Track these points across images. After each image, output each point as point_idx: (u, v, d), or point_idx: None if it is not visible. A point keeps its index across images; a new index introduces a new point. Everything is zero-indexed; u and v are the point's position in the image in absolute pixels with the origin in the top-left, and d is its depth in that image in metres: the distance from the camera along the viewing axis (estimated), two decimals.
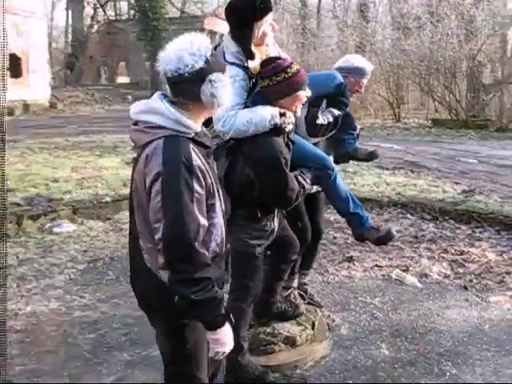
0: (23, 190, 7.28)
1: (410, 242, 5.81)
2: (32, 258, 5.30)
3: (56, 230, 6.12)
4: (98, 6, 41.85)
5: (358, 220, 3.39)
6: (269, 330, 3.40)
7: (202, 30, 38.73)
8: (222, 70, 2.04)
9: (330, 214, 6.66)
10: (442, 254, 5.42)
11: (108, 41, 40.77)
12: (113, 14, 47.81)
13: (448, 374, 3.33)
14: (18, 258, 5.27)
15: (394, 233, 3.54)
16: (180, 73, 1.95)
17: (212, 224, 2.06)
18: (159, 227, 1.90)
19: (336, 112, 3.47)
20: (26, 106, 23.37)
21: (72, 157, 10.35)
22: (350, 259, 5.27)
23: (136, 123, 2.06)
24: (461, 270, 5.06)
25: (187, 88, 1.98)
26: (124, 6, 47.65)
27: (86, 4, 39.90)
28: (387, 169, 9.64)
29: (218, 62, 2.05)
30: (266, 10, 2.81)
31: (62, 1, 46.27)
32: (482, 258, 5.31)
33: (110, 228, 6.33)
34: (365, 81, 3.72)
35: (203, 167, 1.99)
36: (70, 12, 42.25)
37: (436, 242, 5.77)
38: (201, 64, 1.95)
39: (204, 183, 1.98)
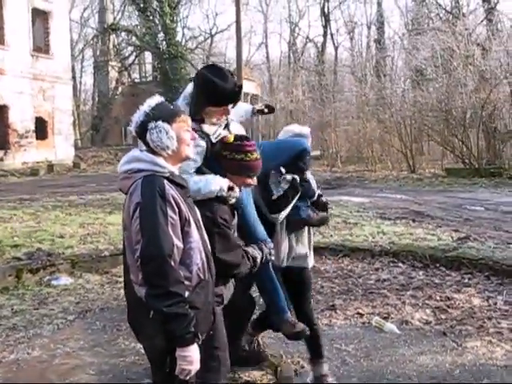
0: (28, 246, 7.56)
1: (397, 289, 5.85)
2: (26, 309, 5.48)
3: (54, 282, 6.32)
4: (123, 69, 43.48)
5: (279, 308, 3.30)
6: (230, 374, 3.48)
7: None
8: (167, 118, 2.33)
9: (320, 264, 6.79)
10: (427, 301, 5.45)
11: (132, 102, 42.11)
12: (137, 76, 49.74)
13: None
14: (12, 309, 5.47)
15: (307, 332, 3.36)
16: (135, 129, 2.37)
17: (190, 248, 2.30)
18: (138, 247, 2.16)
19: (289, 176, 3.46)
20: (50, 167, 24.16)
21: (82, 214, 10.68)
22: (333, 307, 5.33)
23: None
24: (443, 316, 5.07)
25: (143, 139, 2.35)
26: (149, 68, 49.63)
27: (110, 68, 41.48)
28: (389, 219, 9.72)
29: (161, 111, 2.35)
30: (236, 100, 3.02)
31: (90, 65, 48.51)
32: (467, 304, 5.32)
33: (106, 281, 6.51)
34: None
35: (177, 198, 2.26)
36: (96, 76, 44.03)
37: (423, 289, 5.79)
38: (141, 118, 2.34)
39: (178, 210, 2.25)
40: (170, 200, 2.22)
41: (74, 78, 39.05)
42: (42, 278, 6.43)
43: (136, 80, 47.90)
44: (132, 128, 2.39)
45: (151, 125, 2.30)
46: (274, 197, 3.44)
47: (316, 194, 3.77)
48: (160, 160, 2.30)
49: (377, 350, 4.40)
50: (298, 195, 3.50)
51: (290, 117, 28.93)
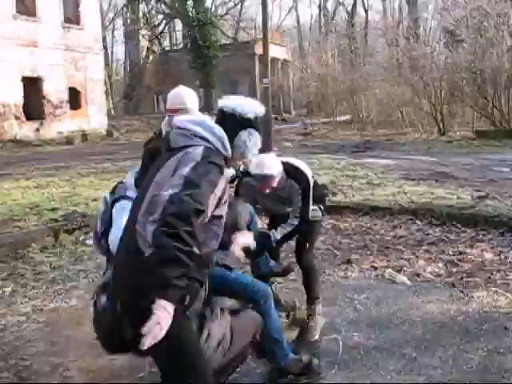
0: (65, 209, 8.03)
1: (412, 245, 6.09)
2: (63, 265, 5.93)
3: (88, 242, 6.75)
4: (153, 37, 43.69)
5: (283, 351, 3.30)
6: None
7: (253, 55, 39.84)
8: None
9: (340, 222, 7.06)
10: (440, 255, 5.68)
11: (163, 70, 42.49)
12: (168, 44, 49.93)
13: (407, 356, 3.63)
14: (51, 265, 5.93)
15: (316, 362, 3.42)
16: (240, 113, 2.43)
17: (212, 230, 2.30)
18: (173, 189, 2.09)
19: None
20: (84, 136, 24.80)
21: (115, 179, 11.11)
22: (349, 261, 5.61)
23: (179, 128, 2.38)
24: (454, 269, 5.30)
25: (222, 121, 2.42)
26: (179, 35, 49.71)
27: (141, 37, 41.73)
28: (413, 180, 9.87)
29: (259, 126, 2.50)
30: None
31: (121, 35, 48.88)
32: (478, 258, 5.53)
33: None
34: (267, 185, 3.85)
35: (227, 182, 2.34)
36: (127, 45, 44.41)
37: (437, 245, 6.02)
38: (253, 115, 2.45)
39: (225, 189, 2.29)
40: (225, 177, 2.26)
41: (105, 48, 39.49)
42: (78, 238, 6.88)
43: (166, 48, 48.13)
44: (235, 111, 2.41)
45: (254, 132, 2.43)
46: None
47: (272, 239, 3.96)
48: (227, 143, 2.36)
49: (387, 299, 4.67)
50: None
51: (320, 81, 28.77)
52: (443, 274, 5.23)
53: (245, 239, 3.02)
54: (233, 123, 2.39)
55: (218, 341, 2.48)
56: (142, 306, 2.01)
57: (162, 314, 1.98)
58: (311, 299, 4.14)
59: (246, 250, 3.10)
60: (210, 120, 2.39)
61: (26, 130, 23.22)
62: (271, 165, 3.75)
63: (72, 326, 4.37)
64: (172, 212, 2.02)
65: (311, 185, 3.99)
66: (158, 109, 43.69)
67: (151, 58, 43.41)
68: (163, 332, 2.00)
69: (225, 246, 2.82)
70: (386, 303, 4.57)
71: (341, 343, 3.83)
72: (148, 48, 43.65)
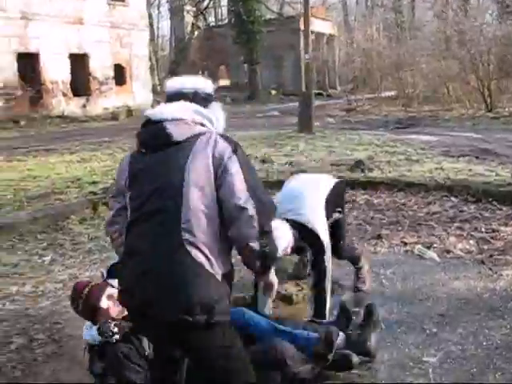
0: (105, 182, 8.28)
1: (445, 221, 6.02)
2: (100, 236, 6.14)
3: None
4: (198, 13, 43.73)
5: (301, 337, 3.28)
6: None
7: (298, 29, 39.36)
8: None
9: (374, 198, 7.03)
10: (472, 233, 5.60)
11: (208, 46, 42.59)
12: (213, 19, 49.88)
13: (428, 331, 3.64)
14: (88, 236, 6.16)
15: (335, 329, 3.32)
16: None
17: None
18: (246, 201, 2.12)
19: None
20: (129, 111, 25.21)
21: None
22: (379, 237, 5.61)
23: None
24: (485, 247, 5.23)
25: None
26: (224, 11, 49.60)
27: (186, 13, 41.83)
28: (452, 156, 9.69)
29: None
30: None
31: (167, 11, 49.11)
32: (511, 236, 5.43)
33: None
34: None
35: None
36: (172, 21, 44.62)
37: (470, 222, 5.93)
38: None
39: None
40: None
41: (151, 24, 39.80)
42: None
43: (211, 24, 48.11)
44: (196, 89, 2.36)
45: (216, 104, 2.43)
46: None
47: None
48: (213, 119, 2.38)
49: (414, 274, 4.66)
50: None
51: (365, 56, 28.26)
52: (474, 251, 5.17)
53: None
54: (199, 101, 2.35)
55: None
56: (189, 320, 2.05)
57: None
58: (357, 261, 4.31)
59: None
60: (189, 104, 2.32)
61: (72, 106, 23.81)
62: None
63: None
64: (263, 224, 2.14)
65: (326, 248, 3.71)
66: None
67: (196, 33, 43.50)
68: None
69: None
70: (412, 279, 4.56)
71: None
72: (193, 24, 43.72)
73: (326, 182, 4.10)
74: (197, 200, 2.11)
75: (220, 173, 2.14)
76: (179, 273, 2.06)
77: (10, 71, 21.31)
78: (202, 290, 2.06)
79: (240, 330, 3.22)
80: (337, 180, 4.27)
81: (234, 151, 2.18)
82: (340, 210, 4.09)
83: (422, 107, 23.68)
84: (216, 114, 2.39)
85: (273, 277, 2.71)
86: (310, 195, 3.87)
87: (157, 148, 2.23)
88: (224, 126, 2.45)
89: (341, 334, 3.35)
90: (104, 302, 2.95)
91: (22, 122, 20.50)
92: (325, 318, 3.68)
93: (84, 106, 24.38)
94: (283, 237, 3.37)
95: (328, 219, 3.83)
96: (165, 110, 2.28)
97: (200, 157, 2.15)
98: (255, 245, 2.12)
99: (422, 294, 4.26)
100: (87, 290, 3.03)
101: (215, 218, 2.14)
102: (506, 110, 19.52)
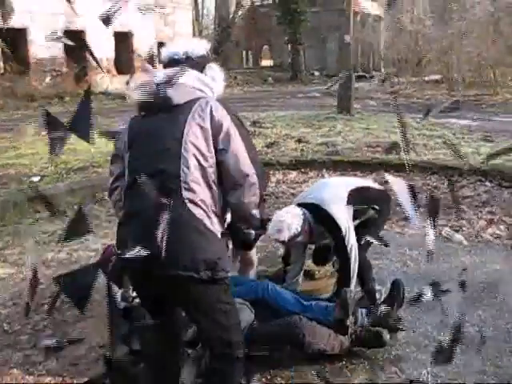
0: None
1: (476, 206, 5.96)
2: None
3: None
4: None
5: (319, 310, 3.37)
6: None
7: (343, 10, 38.77)
8: None
9: (406, 181, 6.98)
10: (503, 218, 5.54)
11: (252, 26, 42.41)
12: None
13: (446, 313, 3.66)
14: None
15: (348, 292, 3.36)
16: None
17: None
18: (249, 168, 2.23)
19: None
20: None
21: None
22: (407, 219, 5.58)
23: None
24: None
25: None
26: None
27: None
28: (492, 141, 9.49)
29: None
30: None
31: None
32: None
33: None
34: None
35: None
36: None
37: (503, 207, 5.86)
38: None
39: None
40: None
41: (195, 2, 39.83)
42: None
43: (256, 3, 47.80)
44: (188, 54, 2.40)
45: (212, 65, 2.46)
46: None
47: None
48: (211, 83, 2.42)
49: (439, 257, 4.65)
50: None
51: (411, 38, 27.67)
52: (503, 236, 5.13)
53: None
54: (194, 65, 2.36)
55: None
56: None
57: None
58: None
59: None
60: (189, 69, 2.32)
61: (116, 84, 24.18)
62: (286, 227, 3.45)
63: None
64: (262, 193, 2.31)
65: (347, 239, 3.57)
66: (247, 64, 43.88)
67: (240, 12, 43.33)
68: None
69: None
70: (437, 261, 4.57)
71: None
72: (237, 3, 43.56)
73: (354, 181, 4.07)
74: (195, 161, 2.16)
75: (221, 137, 2.20)
76: (182, 230, 2.10)
77: (55, 48, 21.76)
78: (206, 246, 2.13)
79: (264, 302, 3.35)
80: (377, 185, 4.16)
81: (233, 119, 2.26)
82: (376, 207, 3.87)
83: (467, 92, 23.10)
84: (213, 75, 2.40)
85: (253, 254, 2.71)
86: (333, 183, 3.93)
87: (156, 111, 2.26)
88: (223, 86, 2.46)
89: (363, 310, 3.42)
90: None
91: (67, 98, 20.97)
92: None
93: (127, 83, 24.66)
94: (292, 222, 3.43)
95: (353, 206, 3.70)
96: (164, 74, 2.29)
97: (198, 119, 2.20)
98: (256, 212, 2.23)
99: (445, 276, 4.26)
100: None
101: (214, 180, 2.21)
102: None
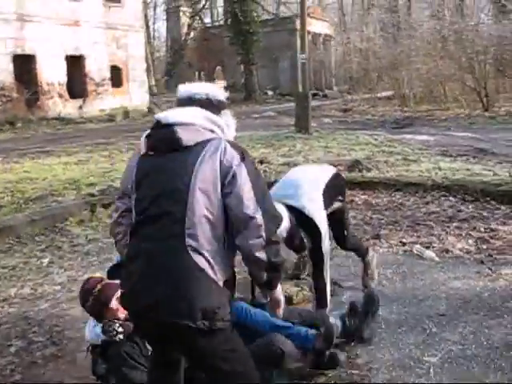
0: (102, 184, 8.26)
1: (443, 221, 6.02)
2: (98, 238, 6.15)
3: None
4: (194, 14, 43.74)
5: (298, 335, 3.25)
6: None
7: (294, 30, 39.38)
8: None
9: (372, 198, 7.04)
10: (471, 232, 5.60)
11: (204, 47, 42.59)
12: (209, 20, 49.89)
13: (428, 331, 3.64)
14: (87, 238, 6.15)
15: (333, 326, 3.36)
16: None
17: None
18: (254, 210, 2.13)
19: None
20: (126, 113, 25.18)
21: None
22: (378, 236, 5.61)
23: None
24: (484, 246, 5.23)
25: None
26: (221, 11, 49.62)
27: (181, 14, 41.82)
28: (450, 156, 9.71)
29: None
30: None
31: (163, 12, 49.11)
32: (510, 236, 5.43)
33: None
34: None
35: None
36: (168, 22, 44.63)
37: (469, 221, 5.93)
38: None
39: None
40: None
41: (147, 25, 39.79)
42: None
43: (207, 25, 48.10)
44: (208, 95, 2.37)
45: (228, 112, 2.44)
46: None
47: None
48: (223, 125, 2.36)
49: (413, 274, 4.66)
50: None
51: (362, 56, 28.32)
52: (473, 250, 5.17)
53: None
54: (211, 108, 2.35)
55: None
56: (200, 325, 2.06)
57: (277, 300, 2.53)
58: (364, 254, 4.37)
59: None
60: (200, 110, 2.31)
61: (69, 108, 23.75)
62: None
63: None
64: (269, 234, 2.15)
65: (323, 238, 3.70)
66: None
67: (192, 34, 43.50)
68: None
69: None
70: (411, 278, 4.56)
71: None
72: (189, 25, 43.74)
73: (324, 172, 4.11)
74: (202, 206, 2.11)
75: (228, 180, 2.15)
76: (182, 278, 2.06)
77: (6, 73, 21.25)
78: (204, 296, 2.07)
79: (240, 325, 3.24)
80: (335, 170, 4.29)
81: (243, 159, 2.18)
82: (341, 198, 4.08)
83: (419, 107, 23.72)
84: (227, 121, 2.39)
85: (279, 294, 2.63)
86: (307, 183, 3.86)
87: (165, 151, 2.22)
88: (235, 134, 2.44)
89: (338, 321, 3.38)
90: (114, 303, 2.94)
91: (18, 124, 20.45)
92: (326, 307, 3.72)
93: (80, 107, 24.32)
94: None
95: (328, 208, 3.82)
96: (176, 114, 2.27)
97: (208, 163, 2.14)
98: (262, 255, 2.14)
99: (421, 293, 4.26)
100: (99, 287, 3.03)
101: (220, 224, 2.15)
102: (503, 109, 19.58)
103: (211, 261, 2.11)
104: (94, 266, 5.28)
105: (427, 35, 26.11)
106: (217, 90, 2.44)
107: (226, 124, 2.38)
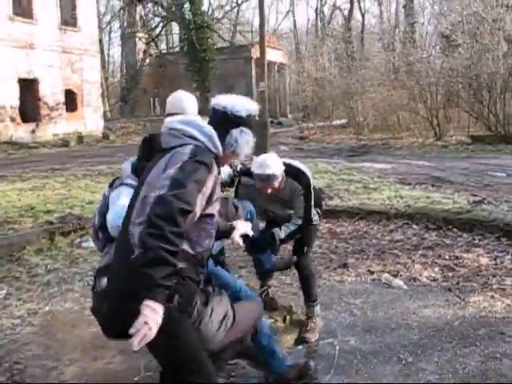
0: (60, 211, 7.99)
1: (408, 249, 6.09)
2: (59, 267, 5.90)
3: (84, 244, 6.73)
4: (150, 40, 43.73)
5: (278, 360, 3.20)
6: None
7: (249, 58, 39.87)
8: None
9: (336, 227, 7.06)
10: (436, 260, 5.68)
11: (159, 73, 42.53)
12: (165, 47, 49.97)
13: (404, 361, 3.62)
14: (46, 268, 5.89)
15: (312, 365, 3.35)
16: (230, 112, 2.43)
17: (205, 229, 2.30)
18: (160, 190, 2.09)
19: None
20: (80, 138, 24.76)
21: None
22: (345, 266, 5.60)
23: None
24: (450, 274, 5.30)
25: (215, 121, 2.45)
26: (176, 38, 49.81)
27: (137, 40, 41.74)
28: (409, 184, 9.89)
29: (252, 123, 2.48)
30: None
31: (118, 37, 48.95)
32: (474, 263, 5.53)
33: None
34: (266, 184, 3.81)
35: (216, 180, 2.29)
36: (123, 47, 44.44)
37: (433, 249, 6.02)
38: (242, 114, 2.43)
39: (214, 187, 2.25)
40: (213, 175, 2.23)
41: (101, 50, 39.47)
42: (73, 240, 6.83)
43: (163, 51, 48.15)
44: (226, 108, 2.40)
45: (246, 130, 2.40)
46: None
47: (276, 238, 3.92)
48: (217, 139, 2.35)
49: (383, 303, 4.66)
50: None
51: (317, 85, 28.82)
52: (439, 278, 5.23)
53: (245, 228, 2.96)
54: (224, 121, 2.38)
55: (221, 317, 2.48)
56: (131, 308, 2.01)
57: (150, 314, 1.97)
58: (310, 301, 4.15)
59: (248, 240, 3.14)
60: (200, 119, 2.40)
61: (21, 132, 23.16)
62: (273, 164, 3.74)
63: (67, 329, 4.35)
64: (157, 213, 2.04)
65: (312, 185, 4.00)
66: (154, 111, 43.70)
67: (148, 60, 43.42)
68: (153, 332, 1.99)
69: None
70: (382, 307, 4.56)
71: (337, 347, 3.83)
72: (145, 51, 43.67)
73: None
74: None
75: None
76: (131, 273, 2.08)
77: None
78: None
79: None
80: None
81: (187, 160, 2.18)
82: (319, 212, 4.17)
83: (373, 135, 24.26)
84: (237, 137, 2.38)
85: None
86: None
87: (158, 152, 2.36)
88: (246, 153, 2.43)
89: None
90: None
91: None
92: (316, 299, 4.17)
93: (33, 131, 23.74)
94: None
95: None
96: (166, 120, 2.43)
97: (159, 169, 2.22)
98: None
99: (393, 322, 4.26)
100: None
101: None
102: (454, 138, 20.22)
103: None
104: (56, 297, 5.05)
105: (380, 65, 26.88)
106: (240, 105, 2.42)
107: (235, 139, 2.37)
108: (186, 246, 2.20)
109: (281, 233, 3.92)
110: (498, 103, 18.64)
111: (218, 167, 2.34)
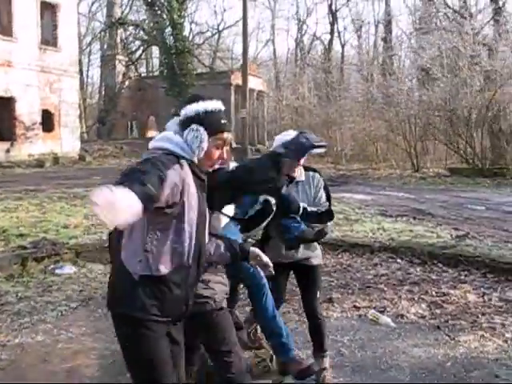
0: (34, 235, 7.70)
1: (394, 284, 5.95)
2: (30, 296, 5.62)
3: (58, 271, 6.46)
4: (130, 63, 43.65)
5: (285, 348, 3.27)
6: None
7: (229, 84, 40.00)
8: (210, 129, 2.39)
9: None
10: (423, 296, 5.55)
11: (138, 96, 42.34)
12: (144, 70, 49.94)
13: None
14: (17, 296, 5.61)
15: (316, 368, 3.42)
16: (184, 116, 2.43)
17: (181, 228, 2.31)
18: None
19: (261, 198, 3.26)
20: (56, 159, 24.33)
21: (87, 205, 10.79)
22: (330, 300, 5.44)
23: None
24: (438, 311, 5.17)
25: (181, 127, 2.43)
26: (156, 62, 49.86)
27: (117, 62, 41.61)
28: (390, 216, 9.82)
29: (210, 120, 2.42)
30: None
31: (98, 59, 48.81)
32: (462, 300, 5.42)
33: (108, 271, 6.60)
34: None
35: (190, 180, 2.26)
36: (103, 69, 44.25)
37: (419, 285, 5.90)
38: (192, 114, 2.41)
39: (181, 188, 2.21)
40: (177, 172, 2.19)
41: (81, 71, 39.24)
42: (47, 267, 6.56)
43: (143, 74, 48.06)
44: (182, 113, 2.42)
45: (194, 126, 2.35)
46: (246, 216, 3.32)
47: (301, 208, 3.49)
48: (187, 146, 2.34)
49: (371, 341, 4.50)
50: (271, 216, 3.33)
51: (296, 114, 29.00)
52: (427, 315, 5.10)
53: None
54: (181, 126, 2.40)
55: None
56: None
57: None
58: (321, 352, 3.80)
59: None
60: (169, 133, 2.40)
61: None
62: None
63: (38, 364, 4.08)
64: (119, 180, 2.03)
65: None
66: (132, 134, 43.38)
67: (127, 83, 43.24)
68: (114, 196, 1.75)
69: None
70: (370, 346, 4.40)
71: None
72: (124, 73, 43.49)
73: None
74: None
75: None
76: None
77: None
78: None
79: None
80: None
81: (144, 160, 2.21)
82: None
83: (351, 165, 24.35)
84: (187, 138, 2.35)
85: None
86: None
87: None
88: (195, 151, 2.35)
89: None
90: None
91: None
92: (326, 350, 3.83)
93: (8, 151, 23.26)
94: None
95: None
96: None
97: None
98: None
99: (383, 363, 4.10)
100: None
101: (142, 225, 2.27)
102: (431, 170, 20.40)
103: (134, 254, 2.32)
104: (27, 328, 4.78)
105: (359, 96, 27.17)
106: (196, 106, 2.42)
107: (186, 139, 2.34)
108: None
109: (305, 205, 3.52)
110: (474, 136, 18.91)
111: (201, 172, 2.38)
